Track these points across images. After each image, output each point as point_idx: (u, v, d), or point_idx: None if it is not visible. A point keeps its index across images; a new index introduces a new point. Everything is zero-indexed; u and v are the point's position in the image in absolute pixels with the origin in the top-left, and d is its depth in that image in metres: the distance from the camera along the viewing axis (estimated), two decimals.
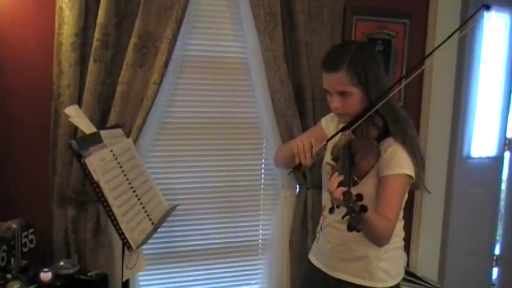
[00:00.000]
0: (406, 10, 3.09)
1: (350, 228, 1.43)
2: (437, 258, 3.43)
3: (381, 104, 1.79)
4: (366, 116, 1.80)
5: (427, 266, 3.36)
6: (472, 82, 3.46)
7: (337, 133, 1.90)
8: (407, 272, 3.16)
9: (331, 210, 1.62)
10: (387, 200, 1.80)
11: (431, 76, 3.17)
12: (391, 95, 1.83)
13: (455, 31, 1.90)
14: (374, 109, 1.80)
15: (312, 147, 1.82)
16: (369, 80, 1.83)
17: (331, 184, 1.56)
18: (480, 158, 3.60)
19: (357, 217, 1.42)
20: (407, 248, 3.32)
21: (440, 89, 3.21)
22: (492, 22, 3.47)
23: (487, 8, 1.86)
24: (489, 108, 3.58)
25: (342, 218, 1.48)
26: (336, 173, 1.62)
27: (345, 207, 1.47)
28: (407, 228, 3.29)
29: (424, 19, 3.18)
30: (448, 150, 3.33)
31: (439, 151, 3.28)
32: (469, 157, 3.55)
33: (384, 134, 1.89)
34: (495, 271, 3.97)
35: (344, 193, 1.49)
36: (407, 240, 3.30)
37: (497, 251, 3.98)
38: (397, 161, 1.82)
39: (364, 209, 1.44)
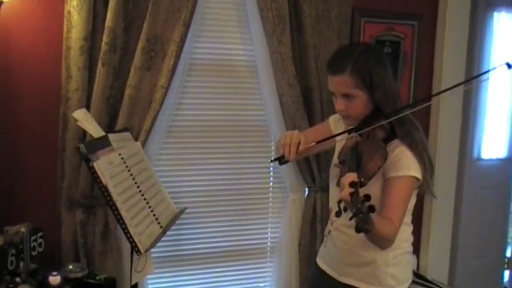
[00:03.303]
0: (415, 12, 3.08)
1: (358, 229, 1.40)
2: (448, 261, 3.41)
3: (394, 118, 1.79)
4: (375, 125, 1.79)
5: (437, 269, 3.34)
6: (482, 84, 3.44)
7: (338, 134, 1.89)
8: (418, 275, 3.15)
9: (338, 214, 1.59)
10: (392, 202, 1.77)
11: (441, 78, 3.15)
12: (406, 112, 1.82)
13: (462, 83, 1.90)
14: (387, 121, 1.79)
15: (299, 143, 1.81)
16: (373, 83, 1.81)
17: (345, 178, 1.53)
18: (490, 159, 3.58)
19: (364, 217, 1.40)
20: (417, 251, 3.31)
21: (450, 91, 3.18)
22: (501, 23, 3.44)
23: (509, 66, 1.78)
24: (499, 110, 3.56)
25: (350, 219, 1.46)
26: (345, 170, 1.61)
27: (353, 208, 1.45)
28: (417, 230, 3.28)
29: (433, 21, 3.16)
30: (458, 153, 3.31)
31: (449, 153, 3.26)
32: (479, 159, 3.53)
33: (391, 136, 1.88)
34: (506, 273, 3.93)
35: (352, 194, 1.47)
36: (417, 242, 3.29)
37: (508, 253, 3.95)
38: (404, 162, 1.80)
39: (372, 209, 1.42)
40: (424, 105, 2.00)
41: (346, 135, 1.88)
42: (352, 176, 1.53)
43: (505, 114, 3.59)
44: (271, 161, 1.92)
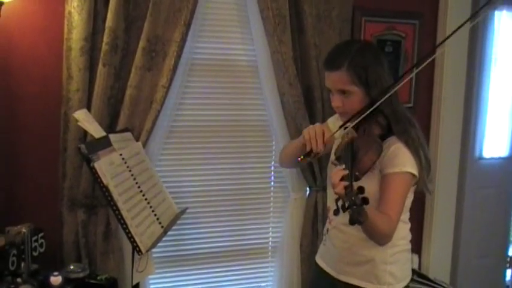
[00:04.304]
0: (416, 11, 3.07)
1: (352, 221, 1.41)
2: (450, 260, 3.41)
3: (383, 99, 1.78)
4: (369, 111, 1.78)
5: (439, 268, 3.34)
6: (483, 82, 3.44)
7: (342, 126, 1.88)
8: (420, 274, 3.14)
9: (336, 212, 1.60)
10: (389, 197, 1.79)
11: (442, 77, 3.15)
12: (396, 88, 1.81)
13: (467, 20, 1.86)
14: (376, 104, 1.78)
15: (324, 133, 1.81)
16: (369, 80, 1.82)
17: (335, 176, 1.55)
18: (492, 158, 3.57)
19: (358, 209, 1.41)
20: (419, 250, 3.31)
21: (451, 89, 3.19)
22: (503, 22, 3.44)
23: None
24: (500, 109, 3.55)
25: (344, 211, 1.47)
26: (341, 166, 1.61)
27: (347, 200, 1.46)
28: (419, 229, 3.28)
29: (434, 20, 3.16)
30: (459, 151, 3.30)
31: (451, 152, 3.26)
32: (480, 158, 3.52)
33: (388, 132, 1.88)
34: (509, 272, 3.93)
35: (346, 187, 1.48)
36: (419, 242, 3.29)
37: (510, 252, 3.94)
38: (400, 158, 1.81)
39: (365, 201, 1.43)
40: (427, 61, 2.00)
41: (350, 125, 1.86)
42: (341, 171, 1.55)
43: (506, 113, 3.59)
44: (299, 160, 1.86)
